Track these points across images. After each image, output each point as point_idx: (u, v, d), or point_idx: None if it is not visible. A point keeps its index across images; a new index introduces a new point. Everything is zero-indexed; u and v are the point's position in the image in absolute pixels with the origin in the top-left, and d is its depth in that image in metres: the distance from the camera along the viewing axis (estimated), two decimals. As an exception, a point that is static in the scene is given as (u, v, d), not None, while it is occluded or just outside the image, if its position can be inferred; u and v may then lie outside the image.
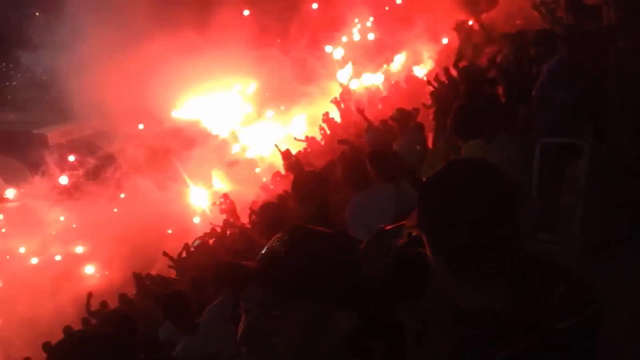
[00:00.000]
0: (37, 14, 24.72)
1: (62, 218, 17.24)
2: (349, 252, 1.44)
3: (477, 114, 3.30)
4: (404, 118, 5.71)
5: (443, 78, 6.59)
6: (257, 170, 15.63)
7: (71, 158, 20.12)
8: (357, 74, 16.61)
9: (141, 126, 19.64)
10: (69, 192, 18.31)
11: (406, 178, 3.88)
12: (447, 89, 6.83)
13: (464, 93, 5.11)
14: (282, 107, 18.26)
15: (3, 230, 17.77)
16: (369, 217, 3.44)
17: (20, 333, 11.85)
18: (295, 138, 14.26)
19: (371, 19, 18.84)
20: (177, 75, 18.85)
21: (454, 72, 6.45)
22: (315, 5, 21.40)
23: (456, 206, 1.18)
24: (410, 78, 12.16)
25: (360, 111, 7.62)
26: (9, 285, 14.68)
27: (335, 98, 15.14)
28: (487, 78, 5.66)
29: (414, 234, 1.42)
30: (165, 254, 10.02)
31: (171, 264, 9.95)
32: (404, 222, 1.48)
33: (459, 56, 8.07)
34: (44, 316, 11.51)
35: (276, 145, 13.38)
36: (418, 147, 5.42)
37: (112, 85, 18.12)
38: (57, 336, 8.30)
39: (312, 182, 6.25)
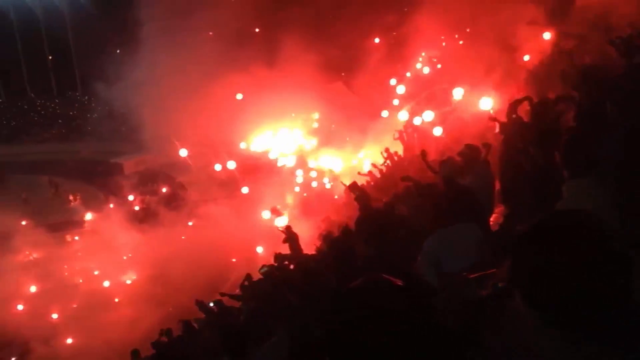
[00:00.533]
0: (118, 51, 26.45)
1: (131, 243, 18.01)
2: (422, 308, 1.43)
3: (588, 148, 3.17)
4: (473, 154, 5.58)
5: (513, 112, 6.44)
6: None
7: (144, 186, 21.10)
8: (420, 109, 16.51)
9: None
10: (142, 219, 19.13)
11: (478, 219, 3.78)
12: (516, 124, 6.67)
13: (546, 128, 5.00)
14: (348, 139, 18.46)
15: (79, 254, 18.76)
16: (445, 257, 3.35)
17: (94, 354, 12.37)
18: (358, 172, 14.35)
19: (434, 53, 18.81)
20: (246, 108, 19.55)
21: (526, 106, 6.29)
22: (377, 40, 21.71)
23: (556, 262, 1.17)
24: (476, 112, 11.95)
25: (423, 155, 7.50)
26: (84, 307, 15.44)
27: (399, 132, 15.14)
28: (561, 113, 5.51)
29: (500, 285, 1.41)
30: (221, 294, 10.15)
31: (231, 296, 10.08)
32: (490, 271, 1.47)
33: (531, 91, 7.90)
34: (116, 337, 11.96)
35: (342, 182, 13.60)
36: (488, 185, 5.27)
37: (184, 119, 19.04)
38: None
39: (375, 222, 6.26)
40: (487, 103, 11.56)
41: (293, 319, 4.68)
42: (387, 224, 6.04)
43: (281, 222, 14.41)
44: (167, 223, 17.90)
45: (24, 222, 19.98)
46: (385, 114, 16.80)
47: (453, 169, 5.47)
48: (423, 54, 19.13)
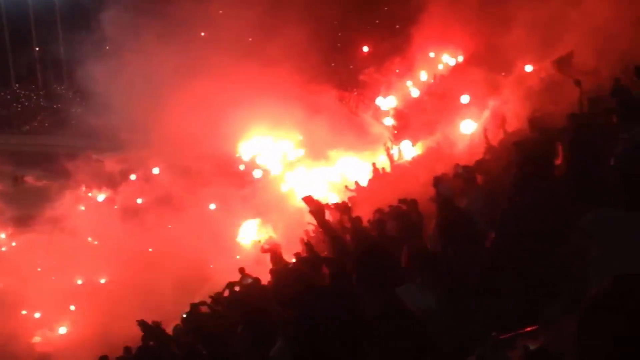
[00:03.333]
0: (107, 48, 26.10)
1: (108, 241, 17.64)
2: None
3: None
4: (470, 176, 5.47)
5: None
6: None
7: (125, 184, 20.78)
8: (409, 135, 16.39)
9: (156, 170, 20.25)
10: (122, 217, 18.77)
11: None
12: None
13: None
14: (335, 150, 18.54)
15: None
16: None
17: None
18: (345, 186, 14.38)
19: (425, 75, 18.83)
20: (231, 114, 19.41)
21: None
22: (365, 48, 21.77)
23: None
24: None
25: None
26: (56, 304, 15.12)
27: (387, 147, 15.17)
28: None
29: (531, 347, 1.26)
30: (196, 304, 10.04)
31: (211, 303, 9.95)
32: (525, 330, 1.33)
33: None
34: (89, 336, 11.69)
35: (303, 199, 13.56)
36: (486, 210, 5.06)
37: (166, 121, 18.87)
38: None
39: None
40: (469, 126, 11.62)
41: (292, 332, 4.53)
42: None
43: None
44: (148, 223, 17.64)
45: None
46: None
47: (451, 190, 5.29)
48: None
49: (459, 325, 2.81)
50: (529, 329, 1.55)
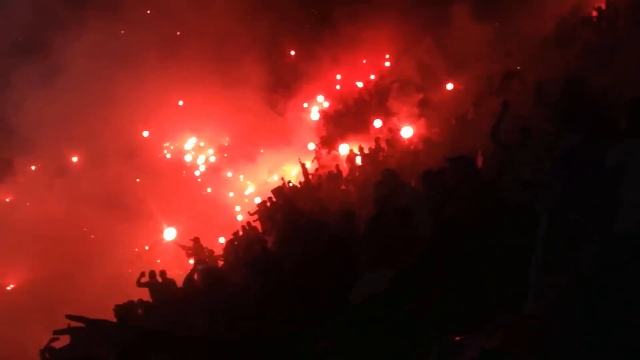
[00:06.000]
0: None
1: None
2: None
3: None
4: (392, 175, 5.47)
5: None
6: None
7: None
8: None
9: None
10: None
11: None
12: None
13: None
14: (262, 150, 18.41)
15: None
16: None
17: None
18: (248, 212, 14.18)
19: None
20: (155, 112, 18.73)
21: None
22: (293, 52, 21.74)
23: None
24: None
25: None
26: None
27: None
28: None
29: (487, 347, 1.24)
30: None
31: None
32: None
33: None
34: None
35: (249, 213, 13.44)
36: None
37: (83, 117, 17.95)
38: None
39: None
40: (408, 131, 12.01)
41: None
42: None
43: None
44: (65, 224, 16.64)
45: None
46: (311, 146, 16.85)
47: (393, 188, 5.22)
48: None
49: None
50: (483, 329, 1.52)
